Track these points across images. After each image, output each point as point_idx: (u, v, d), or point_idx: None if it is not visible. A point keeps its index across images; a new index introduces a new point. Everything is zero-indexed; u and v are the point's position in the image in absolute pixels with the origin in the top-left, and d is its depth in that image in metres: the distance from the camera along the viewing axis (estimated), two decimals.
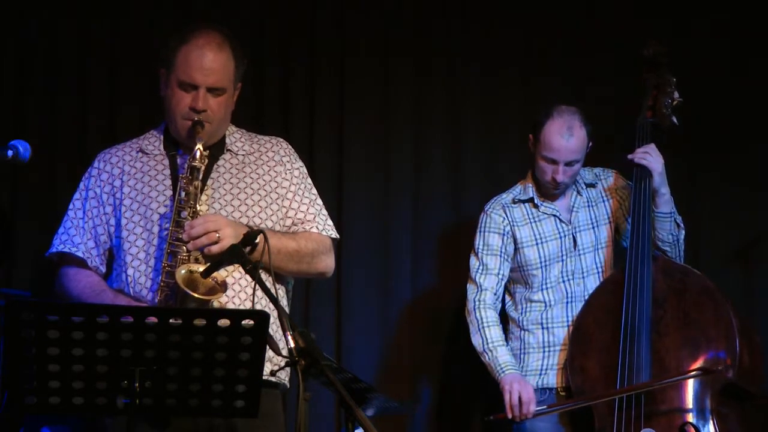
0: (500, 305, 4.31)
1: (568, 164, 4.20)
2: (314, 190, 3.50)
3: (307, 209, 3.43)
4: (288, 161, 3.47)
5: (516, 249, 4.30)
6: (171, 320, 2.71)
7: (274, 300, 2.84)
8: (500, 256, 4.28)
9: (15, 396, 2.72)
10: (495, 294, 4.28)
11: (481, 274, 4.28)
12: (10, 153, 3.17)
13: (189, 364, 2.75)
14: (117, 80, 4.89)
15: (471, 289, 4.30)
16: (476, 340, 4.23)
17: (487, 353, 4.20)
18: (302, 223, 3.41)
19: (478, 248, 4.32)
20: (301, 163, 3.51)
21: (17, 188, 4.78)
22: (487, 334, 4.21)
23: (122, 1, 4.93)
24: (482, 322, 4.23)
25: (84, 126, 4.84)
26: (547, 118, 4.20)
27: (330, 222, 3.48)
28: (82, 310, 2.72)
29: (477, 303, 4.26)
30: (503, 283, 4.30)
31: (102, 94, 4.87)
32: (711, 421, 3.90)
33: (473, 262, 4.32)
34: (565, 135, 4.16)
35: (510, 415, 4.10)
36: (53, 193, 4.78)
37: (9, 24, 4.86)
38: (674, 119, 4.31)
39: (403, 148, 4.97)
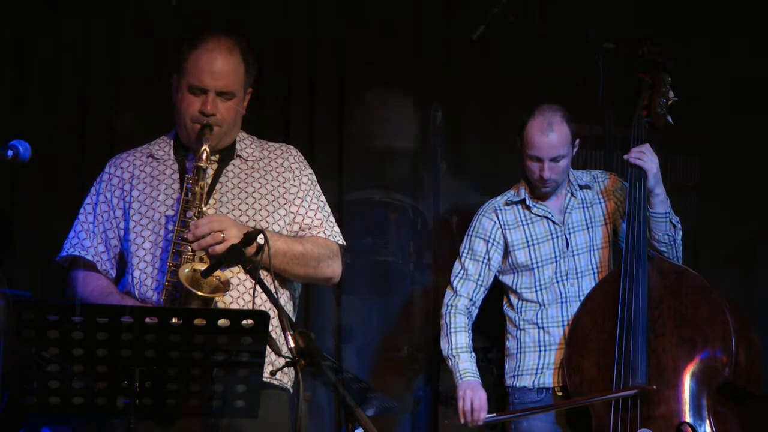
0: (476, 311, 4.32)
1: (554, 160, 4.20)
2: (322, 198, 3.49)
3: (315, 215, 3.42)
4: (297, 168, 3.47)
5: (507, 251, 4.31)
6: (171, 320, 2.72)
7: (274, 300, 2.85)
8: (482, 262, 4.30)
9: (15, 396, 2.73)
10: (471, 300, 4.30)
11: (460, 279, 4.31)
12: (10, 153, 3.17)
13: (189, 364, 2.76)
14: (117, 80, 4.90)
15: (448, 293, 4.33)
16: (443, 345, 4.27)
17: (450, 358, 4.25)
18: (309, 228, 3.40)
19: (462, 252, 4.34)
20: (310, 171, 3.51)
21: (17, 188, 4.79)
22: (452, 340, 4.25)
23: (123, 0, 4.95)
24: (450, 327, 4.26)
25: (83, 126, 4.85)
26: (529, 118, 4.23)
27: (337, 229, 3.46)
28: (82, 310, 2.72)
29: (449, 308, 4.29)
30: (483, 290, 4.31)
31: (102, 94, 4.88)
32: (708, 421, 3.91)
33: (456, 265, 4.34)
34: (545, 131, 4.18)
35: (462, 421, 4.17)
36: (53, 193, 4.79)
37: (9, 24, 4.87)
38: (669, 119, 4.30)
39: (403, 149, 4.97)
